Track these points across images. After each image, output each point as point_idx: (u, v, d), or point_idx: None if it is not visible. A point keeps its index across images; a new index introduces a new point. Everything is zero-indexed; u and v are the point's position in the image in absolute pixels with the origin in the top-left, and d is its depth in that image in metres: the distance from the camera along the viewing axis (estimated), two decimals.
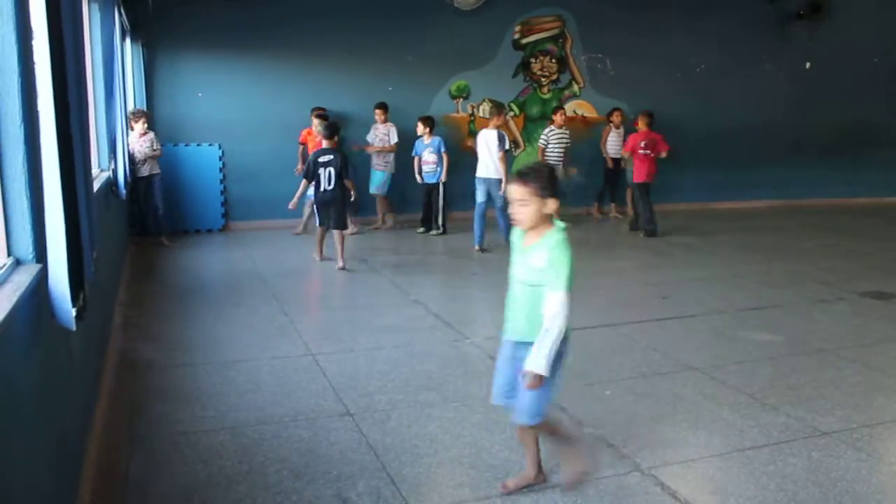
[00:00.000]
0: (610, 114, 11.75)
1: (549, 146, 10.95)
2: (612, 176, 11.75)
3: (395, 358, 5.09)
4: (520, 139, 12.10)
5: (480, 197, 9.04)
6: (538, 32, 11.98)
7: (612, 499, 3.25)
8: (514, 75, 11.95)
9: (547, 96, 12.14)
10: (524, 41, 11.93)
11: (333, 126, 8.34)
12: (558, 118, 11.00)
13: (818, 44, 13.17)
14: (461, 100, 11.70)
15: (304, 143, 10.05)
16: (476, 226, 9.02)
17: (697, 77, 12.88)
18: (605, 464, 3.55)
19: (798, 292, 7.11)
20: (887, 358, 5.21)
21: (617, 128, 11.62)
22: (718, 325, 5.98)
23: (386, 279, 7.56)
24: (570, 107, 12.14)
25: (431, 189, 10.30)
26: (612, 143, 11.60)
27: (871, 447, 3.78)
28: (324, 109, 9.97)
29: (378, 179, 10.43)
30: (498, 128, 9.04)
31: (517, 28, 11.84)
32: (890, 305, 6.67)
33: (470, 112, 11.78)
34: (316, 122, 9.66)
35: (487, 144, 8.90)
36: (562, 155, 10.94)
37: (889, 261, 8.73)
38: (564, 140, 10.98)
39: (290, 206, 8.00)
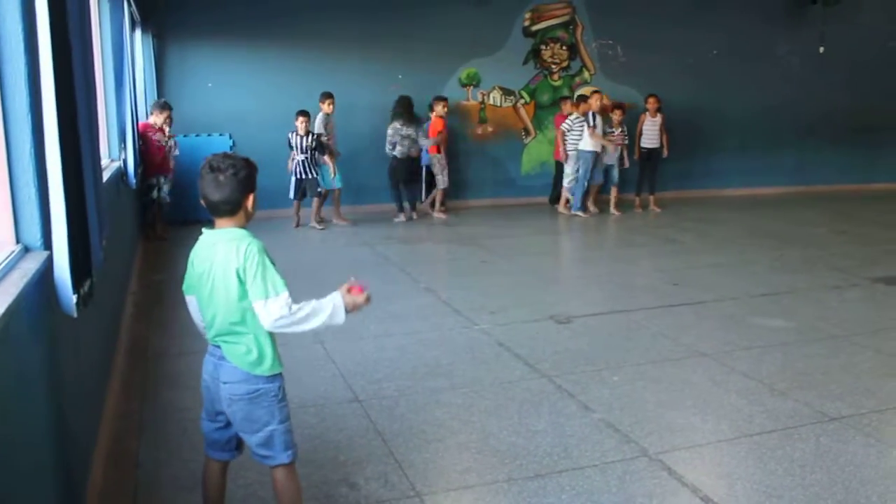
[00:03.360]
0: (645, 100, 11.18)
1: (572, 133, 10.62)
2: (648, 165, 11.13)
3: (404, 345, 5.11)
4: (531, 127, 12.06)
5: None
6: (549, 19, 11.92)
7: (619, 483, 3.26)
8: (525, 62, 11.90)
9: (558, 83, 12.09)
10: (535, 28, 11.88)
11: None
12: (584, 107, 10.60)
13: (832, 27, 13.00)
14: (471, 87, 11.67)
15: None
16: None
17: (710, 62, 12.75)
18: (611, 449, 3.56)
19: (811, 278, 7.06)
20: None
21: (653, 116, 11.02)
22: (729, 311, 5.95)
23: (395, 266, 7.58)
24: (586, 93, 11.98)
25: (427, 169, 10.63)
26: (648, 131, 11.05)
27: (880, 432, 3.76)
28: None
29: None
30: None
31: (527, 15, 11.79)
32: None
33: (480, 100, 11.75)
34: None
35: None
36: None
37: None
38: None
39: None
